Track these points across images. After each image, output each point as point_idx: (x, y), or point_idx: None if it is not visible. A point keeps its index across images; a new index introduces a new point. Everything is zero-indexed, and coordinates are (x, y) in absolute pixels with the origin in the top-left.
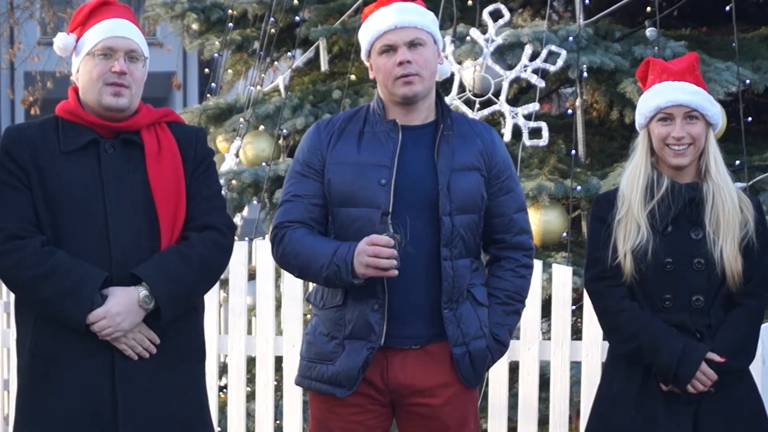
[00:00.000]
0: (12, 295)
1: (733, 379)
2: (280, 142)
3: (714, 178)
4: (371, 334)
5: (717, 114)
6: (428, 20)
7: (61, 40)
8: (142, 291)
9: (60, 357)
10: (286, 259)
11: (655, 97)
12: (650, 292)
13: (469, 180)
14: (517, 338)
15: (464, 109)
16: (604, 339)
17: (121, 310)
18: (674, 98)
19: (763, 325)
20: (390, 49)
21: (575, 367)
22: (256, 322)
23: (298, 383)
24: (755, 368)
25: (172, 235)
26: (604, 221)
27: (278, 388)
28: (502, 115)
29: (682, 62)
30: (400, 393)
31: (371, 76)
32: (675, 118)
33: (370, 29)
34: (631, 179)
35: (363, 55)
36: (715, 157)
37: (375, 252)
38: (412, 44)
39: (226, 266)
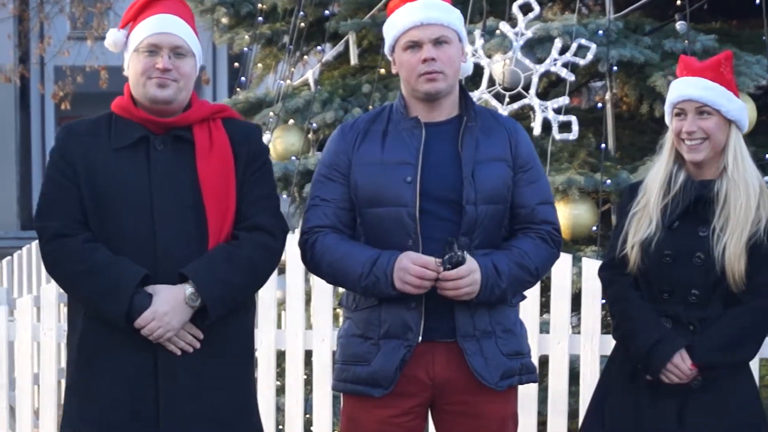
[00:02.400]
0: (42, 290)
1: (726, 373)
2: (309, 136)
3: (731, 175)
4: (408, 332)
5: (737, 110)
6: (454, 17)
7: (112, 36)
8: (188, 288)
9: (104, 353)
10: (318, 266)
11: (671, 92)
12: (650, 283)
13: (494, 170)
14: (547, 332)
15: (494, 103)
16: None
17: (168, 309)
18: (684, 93)
19: None
20: (415, 45)
21: (605, 360)
22: (286, 316)
23: (334, 388)
24: None
25: (221, 234)
26: (623, 210)
27: (308, 382)
28: (531, 108)
29: (709, 59)
30: (444, 389)
31: (394, 71)
32: (687, 113)
33: (395, 24)
34: (654, 172)
35: (386, 50)
36: (735, 155)
37: (420, 274)
38: (438, 41)
39: (274, 269)
